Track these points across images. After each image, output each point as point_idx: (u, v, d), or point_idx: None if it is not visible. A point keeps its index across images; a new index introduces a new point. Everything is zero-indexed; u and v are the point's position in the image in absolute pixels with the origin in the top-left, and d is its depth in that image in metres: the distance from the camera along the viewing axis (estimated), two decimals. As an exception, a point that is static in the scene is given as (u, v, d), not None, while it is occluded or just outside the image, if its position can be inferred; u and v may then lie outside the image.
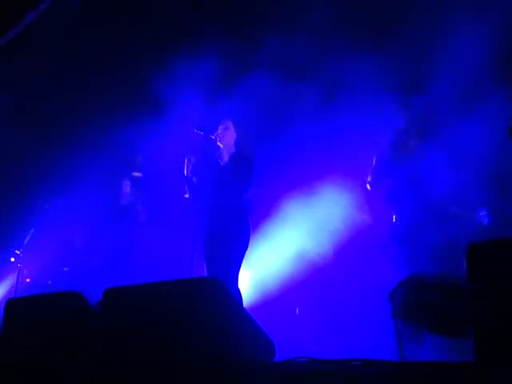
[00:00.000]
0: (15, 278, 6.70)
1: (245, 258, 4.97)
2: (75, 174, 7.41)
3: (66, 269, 6.96)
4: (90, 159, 7.17)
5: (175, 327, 2.67)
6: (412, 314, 2.45)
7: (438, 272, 2.58)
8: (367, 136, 5.77)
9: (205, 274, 5.04)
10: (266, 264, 6.27)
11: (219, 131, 5.19)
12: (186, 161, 5.20)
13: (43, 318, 3.32)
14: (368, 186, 5.44)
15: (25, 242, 6.89)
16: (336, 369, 2.10)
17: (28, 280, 6.94)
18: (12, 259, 6.88)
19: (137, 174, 7.49)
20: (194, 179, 5.26)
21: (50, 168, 7.72)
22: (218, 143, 5.19)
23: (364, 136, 5.85)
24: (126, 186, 7.06)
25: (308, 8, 5.89)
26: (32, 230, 6.94)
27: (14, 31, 5.25)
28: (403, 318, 2.50)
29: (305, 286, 6.19)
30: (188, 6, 5.96)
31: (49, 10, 4.97)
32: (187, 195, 7.08)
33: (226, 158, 5.19)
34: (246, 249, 4.99)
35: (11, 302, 3.62)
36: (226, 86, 6.09)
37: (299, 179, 6.38)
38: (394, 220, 5.25)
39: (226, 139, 5.20)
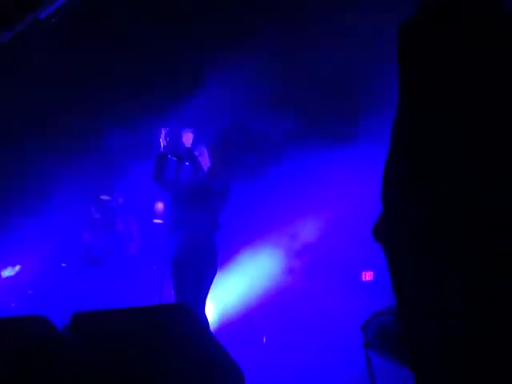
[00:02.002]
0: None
1: (213, 284, 4.95)
2: (47, 192, 7.33)
3: (30, 291, 6.83)
4: (63, 178, 7.11)
5: (145, 353, 2.63)
6: (386, 344, 2.44)
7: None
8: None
9: (173, 298, 5.00)
10: (233, 290, 6.26)
11: (196, 153, 5.18)
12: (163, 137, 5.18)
13: (5, 343, 3.24)
14: None
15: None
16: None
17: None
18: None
19: (105, 198, 7.45)
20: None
21: (22, 186, 7.64)
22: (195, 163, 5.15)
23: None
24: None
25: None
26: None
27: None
28: (376, 348, 2.50)
29: (273, 313, 6.18)
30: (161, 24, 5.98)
31: (26, 30, 4.95)
32: (159, 220, 7.09)
33: (199, 181, 5.15)
34: (215, 274, 4.98)
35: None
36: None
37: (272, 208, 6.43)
38: None
39: (202, 162, 5.18)
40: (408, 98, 1.65)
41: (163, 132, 5.20)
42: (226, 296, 6.25)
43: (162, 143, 5.18)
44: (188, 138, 5.16)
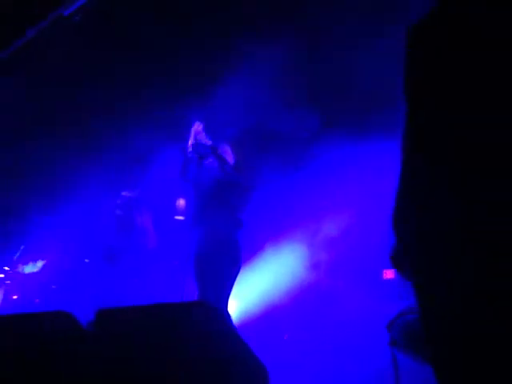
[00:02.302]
0: (2, 294, 6.62)
1: (236, 282, 4.93)
2: (68, 188, 7.38)
3: (53, 286, 6.88)
4: (83, 175, 7.16)
5: (168, 351, 2.63)
6: (414, 343, 2.42)
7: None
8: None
9: (195, 295, 4.99)
10: (256, 287, 6.25)
11: (220, 150, 5.16)
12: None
13: (31, 337, 3.26)
14: None
15: (14, 259, 6.82)
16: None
17: (15, 297, 6.85)
18: (0, 275, 6.80)
19: (126, 194, 7.47)
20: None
21: (42, 183, 7.70)
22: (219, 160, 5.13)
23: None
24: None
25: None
26: (22, 247, 6.87)
27: (12, 47, 5.25)
28: (401, 347, 2.48)
29: (296, 311, 6.18)
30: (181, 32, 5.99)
31: (49, 28, 4.98)
32: (180, 217, 7.10)
33: (223, 177, 5.14)
34: (238, 271, 4.95)
35: (-3, 321, 3.56)
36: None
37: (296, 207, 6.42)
38: None
39: (226, 159, 5.16)
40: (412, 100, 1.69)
41: (194, 128, 5.18)
42: (249, 293, 6.24)
43: (192, 140, 5.16)
44: (202, 134, 5.15)
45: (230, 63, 6.11)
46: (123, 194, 7.35)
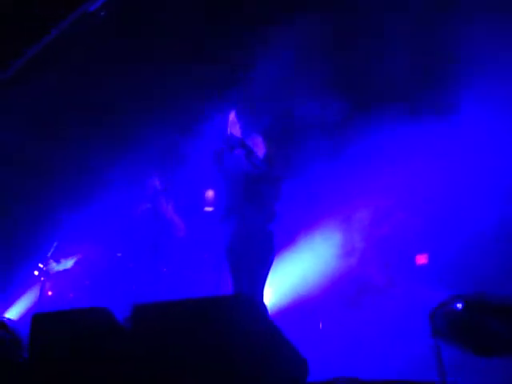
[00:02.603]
0: (38, 291, 6.70)
1: (270, 272, 4.89)
2: (98, 185, 7.44)
3: (87, 282, 6.94)
4: (112, 170, 7.21)
5: (205, 345, 2.62)
6: (457, 334, 2.39)
7: (486, 292, 2.51)
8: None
9: (230, 289, 4.98)
10: (291, 276, 6.24)
11: (250, 142, 5.11)
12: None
13: (71, 334, 3.29)
14: None
15: (48, 255, 6.88)
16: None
17: (50, 293, 6.93)
18: (35, 272, 6.87)
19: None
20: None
21: (73, 180, 7.77)
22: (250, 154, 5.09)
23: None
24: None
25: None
26: (55, 243, 6.93)
27: (37, 47, 5.29)
28: (445, 337, 2.44)
29: (330, 299, 6.15)
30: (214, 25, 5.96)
31: (73, 25, 5.00)
32: (209, 208, 7.09)
33: (254, 169, 5.09)
34: (272, 262, 4.89)
35: (37, 317, 3.60)
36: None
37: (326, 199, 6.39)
38: None
39: (254, 152, 5.11)
40: None
41: (230, 117, 5.14)
42: (284, 283, 6.23)
43: (229, 129, 5.12)
44: (237, 126, 5.11)
45: (257, 52, 6.08)
46: (150, 184, 7.34)
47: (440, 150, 5.83)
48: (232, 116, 5.09)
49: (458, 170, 5.69)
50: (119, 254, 6.82)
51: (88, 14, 4.83)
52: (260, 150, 5.12)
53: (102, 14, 4.79)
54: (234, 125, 5.06)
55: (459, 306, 2.36)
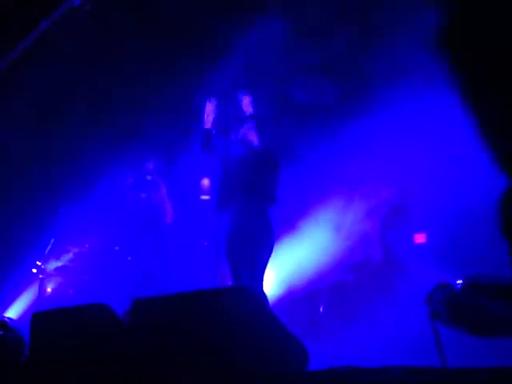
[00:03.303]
0: (37, 289, 6.69)
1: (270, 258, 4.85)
2: (93, 177, 7.43)
3: (85, 277, 6.93)
4: (107, 163, 7.20)
5: (205, 338, 2.62)
6: (454, 315, 2.39)
7: (481, 273, 2.51)
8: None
9: (229, 277, 4.95)
10: (291, 262, 6.24)
11: (245, 129, 5.05)
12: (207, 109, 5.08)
13: (71, 331, 3.29)
14: None
15: (46, 252, 6.87)
16: (379, 379, 2.03)
17: (49, 290, 6.92)
18: (34, 270, 6.86)
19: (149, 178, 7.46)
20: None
21: (69, 173, 7.76)
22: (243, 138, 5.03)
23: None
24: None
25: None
26: (52, 240, 6.92)
27: (28, 40, 5.27)
28: (443, 320, 2.45)
29: (330, 283, 6.16)
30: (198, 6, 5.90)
31: (61, 18, 4.97)
32: (206, 197, 7.08)
33: (249, 155, 5.03)
34: (272, 249, 4.83)
35: (37, 316, 3.60)
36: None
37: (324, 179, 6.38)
38: None
39: (252, 136, 5.03)
40: None
41: (208, 106, 5.09)
42: (284, 268, 6.22)
43: (207, 118, 5.07)
44: (247, 102, 5.04)
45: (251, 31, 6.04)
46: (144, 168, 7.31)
47: (435, 128, 5.81)
48: (213, 102, 5.07)
49: (457, 145, 5.68)
50: (117, 248, 6.82)
51: (73, 8, 4.80)
52: (256, 132, 5.02)
53: (86, 7, 4.76)
54: (242, 104, 5.01)
55: (458, 286, 2.36)
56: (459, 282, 2.42)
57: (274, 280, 6.14)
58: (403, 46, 5.41)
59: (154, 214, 6.92)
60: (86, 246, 7.02)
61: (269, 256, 4.81)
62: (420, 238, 6.17)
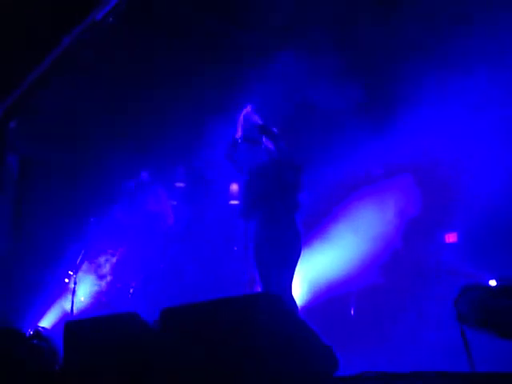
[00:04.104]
0: (70, 298, 6.78)
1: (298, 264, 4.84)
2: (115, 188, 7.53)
3: (118, 285, 7.01)
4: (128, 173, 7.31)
5: (234, 345, 2.63)
6: (483, 318, 2.36)
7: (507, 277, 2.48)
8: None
9: (257, 283, 4.94)
10: (320, 266, 6.22)
11: (273, 130, 5.06)
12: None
13: (103, 339, 3.33)
14: None
15: (77, 263, 6.97)
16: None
17: (82, 299, 7.02)
18: (66, 280, 6.96)
19: (180, 185, 7.54)
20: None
21: (96, 184, 7.86)
22: (266, 145, 5.05)
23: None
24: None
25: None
26: (83, 251, 7.01)
27: (50, 56, 5.35)
28: (471, 323, 2.42)
29: (360, 285, 6.13)
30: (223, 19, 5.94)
31: (84, 32, 5.04)
32: (235, 202, 7.11)
33: (271, 162, 5.04)
34: (299, 254, 4.81)
35: (70, 325, 3.65)
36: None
37: (354, 183, 6.36)
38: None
39: (269, 145, 5.06)
40: None
41: (243, 113, 5.11)
42: (312, 273, 6.21)
43: (239, 126, 5.10)
44: (254, 115, 5.07)
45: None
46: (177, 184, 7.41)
47: (465, 130, 5.77)
48: (249, 108, 5.08)
49: (489, 148, 5.63)
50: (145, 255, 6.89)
51: (96, 22, 4.87)
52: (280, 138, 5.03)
53: (109, 20, 4.83)
54: (253, 116, 5.03)
55: (492, 288, 2.33)
56: (493, 283, 2.39)
57: (303, 285, 6.12)
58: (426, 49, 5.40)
59: (156, 220, 7.01)
60: (117, 254, 7.10)
61: (297, 261, 4.79)
62: (451, 238, 6.11)
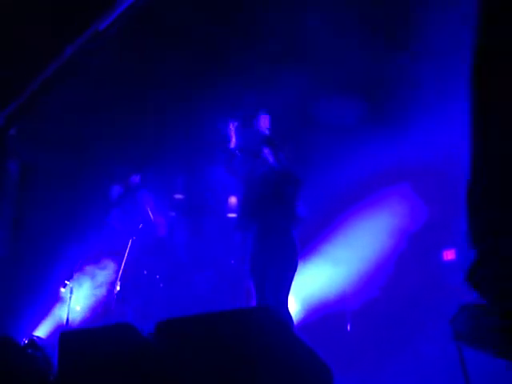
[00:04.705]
0: (66, 308, 6.75)
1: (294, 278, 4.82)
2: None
3: (117, 288, 6.98)
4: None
5: (229, 358, 2.63)
6: (479, 337, 2.34)
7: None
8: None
9: (253, 297, 4.92)
10: (315, 280, 6.21)
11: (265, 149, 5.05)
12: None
13: (98, 351, 3.32)
14: None
15: (73, 272, 6.96)
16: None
17: (78, 308, 6.99)
18: (62, 290, 6.94)
19: (178, 197, 7.55)
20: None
21: (93, 192, 7.87)
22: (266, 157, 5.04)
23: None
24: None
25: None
26: (80, 260, 7.01)
27: (53, 65, 5.38)
28: (468, 341, 2.40)
29: (355, 301, 6.11)
30: (225, 28, 5.96)
31: (87, 42, 5.07)
32: (233, 215, 7.10)
33: (271, 174, 5.03)
34: (296, 270, 4.79)
35: (65, 335, 3.64)
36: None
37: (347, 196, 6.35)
38: None
39: (269, 156, 5.04)
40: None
41: (232, 126, 5.13)
42: (309, 286, 6.19)
43: (231, 139, 5.11)
44: (266, 122, 5.06)
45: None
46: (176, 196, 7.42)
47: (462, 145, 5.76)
48: (234, 124, 5.10)
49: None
50: (145, 272, 6.88)
51: (98, 32, 4.89)
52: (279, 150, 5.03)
53: (112, 31, 4.85)
54: (259, 124, 5.02)
55: (488, 306, 2.31)
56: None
57: (299, 300, 6.11)
58: (429, 65, 5.40)
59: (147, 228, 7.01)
60: (112, 265, 7.08)
61: (293, 275, 4.76)
62: (449, 255, 6.09)
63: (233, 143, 5.12)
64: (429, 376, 4.14)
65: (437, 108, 5.66)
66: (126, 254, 6.85)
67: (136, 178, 7.15)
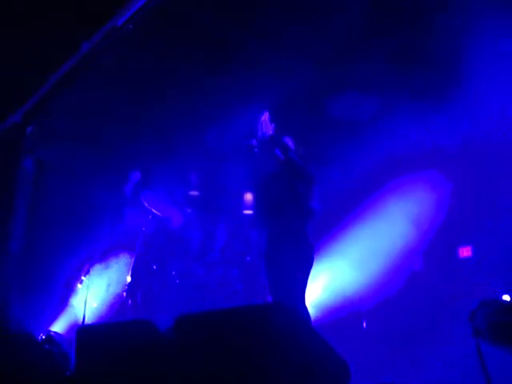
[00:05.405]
0: (83, 303, 6.77)
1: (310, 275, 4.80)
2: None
3: (127, 282, 7.00)
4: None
5: (247, 354, 2.63)
6: (497, 333, 2.33)
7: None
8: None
9: (269, 294, 4.91)
10: (332, 277, 6.20)
11: (285, 139, 5.03)
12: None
13: (115, 346, 3.33)
14: None
15: (91, 268, 6.99)
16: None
17: (95, 304, 7.02)
18: (79, 285, 6.97)
19: (193, 193, 7.56)
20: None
21: (108, 189, 7.91)
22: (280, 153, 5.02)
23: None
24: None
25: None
26: (97, 255, 7.04)
27: (70, 62, 5.41)
28: (486, 337, 2.39)
29: (372, 298, 6.10)
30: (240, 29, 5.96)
31: (104, 38, 5.08)
32: (249, 211, 7.10)
33: (283, 171, 5.02)
34: (311, 266, 4.76)
35: (82, 331, 3.65)
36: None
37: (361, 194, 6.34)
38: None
39: (291, 148, 5.02)
40: None
41: (264, 117, 5.08)
42: (326, 283, 6.18)
43: (265, 129, 5.06)
44: (265, 121, 5.03)
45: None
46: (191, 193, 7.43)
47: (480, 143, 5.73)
48: (266, 115, 5.05)
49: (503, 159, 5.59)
50: (155, 267, 6.89)
51: (116, 29, 4.90)
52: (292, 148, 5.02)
53: (129, 27, 4.87)
54: (266, 124, 5.00)
55: (506, 303, 2.30)
56: (507, 297, 2.37)
57: (316, 296, 6.10)
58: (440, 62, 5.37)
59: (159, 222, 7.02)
60: (129, 260, 7.10)
61: (309, 271, 4.75)
62: (465, 252, 6.06)
63: (269, 130, 5.02)
64: (447, 373, 4.12)
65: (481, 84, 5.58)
66: (138, 246, 6.87)
67: (136, 175, 7.16)
